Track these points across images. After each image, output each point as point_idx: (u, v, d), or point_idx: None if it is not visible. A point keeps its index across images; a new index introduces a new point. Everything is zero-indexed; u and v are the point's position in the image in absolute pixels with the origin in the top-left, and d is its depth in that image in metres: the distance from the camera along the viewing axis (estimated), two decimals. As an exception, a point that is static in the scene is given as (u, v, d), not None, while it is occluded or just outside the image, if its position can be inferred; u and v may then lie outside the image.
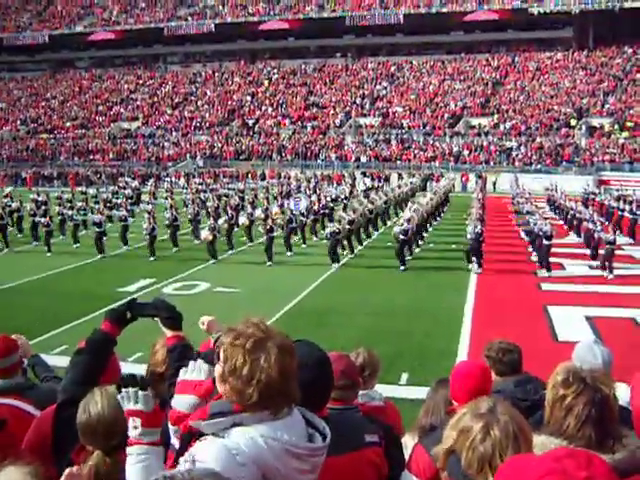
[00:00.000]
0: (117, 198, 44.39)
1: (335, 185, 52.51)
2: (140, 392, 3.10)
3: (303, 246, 32.07)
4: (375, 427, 4.18)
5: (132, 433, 3.08)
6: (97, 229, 31.30)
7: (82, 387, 3.61)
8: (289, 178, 58.41)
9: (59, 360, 14.76)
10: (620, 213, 35.25)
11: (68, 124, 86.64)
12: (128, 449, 3.08)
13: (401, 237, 26.84)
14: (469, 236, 26.07)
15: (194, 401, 3.25)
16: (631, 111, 65.85)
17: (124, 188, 52.45)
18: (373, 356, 5.95)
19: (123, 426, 3.26)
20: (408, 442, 4.96)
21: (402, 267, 26.36)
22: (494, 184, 57.56)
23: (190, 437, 2.88)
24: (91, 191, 50.45)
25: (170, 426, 3.27)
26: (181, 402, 3.29)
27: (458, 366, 4.80)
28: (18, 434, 4.08)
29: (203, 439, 2.74)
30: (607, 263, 24.89)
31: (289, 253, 30.00)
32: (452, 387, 4.50)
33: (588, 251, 28.16)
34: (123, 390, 3.13)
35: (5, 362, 5.19)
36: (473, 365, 4.67)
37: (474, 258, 25.90)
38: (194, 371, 3.37)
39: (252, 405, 2.71)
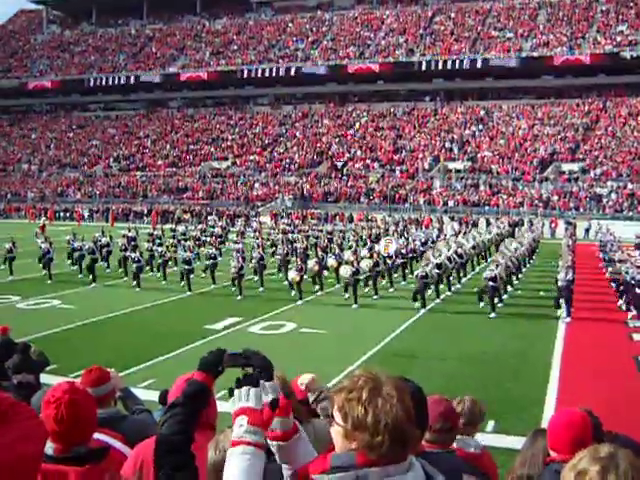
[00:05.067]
0: (206, 236, 44.93)
1: (423, 229, 52.33)
2: (252, 389, 3.03)
3: (390, 290, 31.99)
4: (473, 470, 4.17)
5: (236, 432, 2.97)
6: (186, 266, 31.76)
7: (182, 437, 3.61)
8: (375, 221, 58.37)
9: (145, 394, 15.02)
10: None
11: (160, 162, 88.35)
12: (229, 450, 2.97)
13: (490, 284, 26.59)
14: (560, 283, 25.69)
15: None
16: None
17: (213, 227, 53.07)
18: (475, 405, 5.90)
19: None
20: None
21: (493, 314, 26.03)
22: (587, 231, 56.63)
23: None
24: (180, 228, 51.15)
25: None
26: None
27: (557, 415, 4.64)
28: (106, 470, 4.09)
29: None
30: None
31: (375, 296, 29.98)
32: (551, 437, 4.35)
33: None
34: (236, 391, 3.06)
35: (98, 391, 5.30)
36: (574, 414, 4.44)
37: (564, 305, 25.56)
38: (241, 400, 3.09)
39: (385, 454, 2.64)
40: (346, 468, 2.68)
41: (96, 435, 4.13)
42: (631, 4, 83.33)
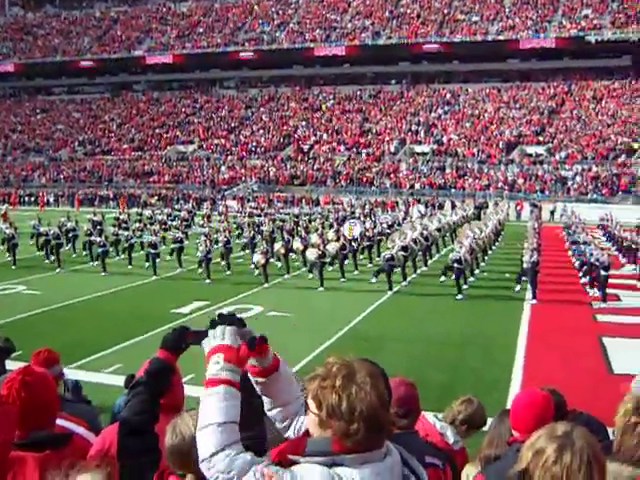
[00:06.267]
0: (172, 220, 44.79)
1: (389, 211, 52.39)
2: (227, 327, 3.00)
3: (356, 272, 32.03)
4: (436, 452, 4.18)
5: (211, 370, 2.92)
6: (152, 250, 31.66)
7: (145, 416, 3.56)
8: (342, 204, 58.31)
9: (112, 379, 15.01)
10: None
11: (125, 146, 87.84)
12: (205, 390, 2.90)
13: (456, 265, 26.70)
14: (525, 265, 25.94)
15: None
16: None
17: (179, 210, 52.93)
18: (480, 410, 5.83)
19: None
20: (470, 473, 4.91)
21: (459, 296, 26.14)
22: (552, 213, 57.00)
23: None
24: (146, 212, 50.93)
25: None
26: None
27: (519, 395, 4.68)
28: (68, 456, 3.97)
29: (305, 463, 2.68)
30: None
31: (342, 279, 30.03)
32: (513, 417, 4.40)
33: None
34: (210, 332, 3.02)
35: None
36: (535, 394, 4.49)
37: (530, 287, 25.77)
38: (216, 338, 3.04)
39: (360, 442, 2.64)
40: (322, 453, 2.68)
41: (58, 421, 4.09)
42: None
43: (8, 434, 3.34)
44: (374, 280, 28.10)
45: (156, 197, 70.04)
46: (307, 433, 2.86)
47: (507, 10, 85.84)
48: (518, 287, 26.89)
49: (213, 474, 2.74)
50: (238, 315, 3.09)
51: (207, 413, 2.84)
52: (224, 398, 2.84)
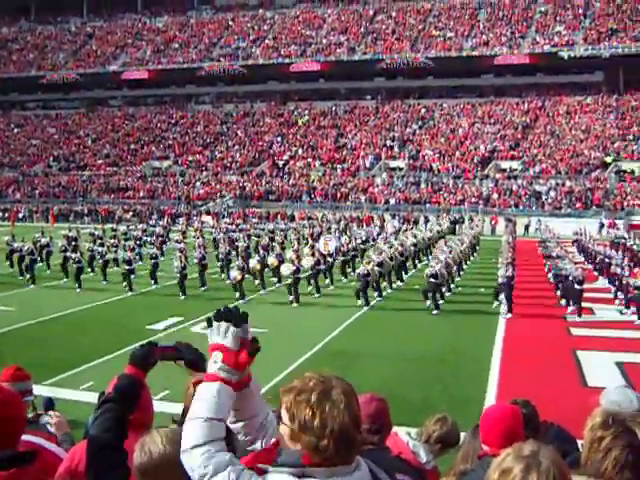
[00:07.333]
0: (147, 236, 44.66)
1: (364, 227, 52.42)
2: (232, 327, 2.97)
3: (331, 287, 32.02)
4: (407, 468, 4.17)
5: (210, 368, 2.92)
6: (127, 266, 31.57)
7: (113, 433, 3.52)
8: (317, 219, 58.26)
9: (86, 396, 14.91)
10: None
11: (100, 161, 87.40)
12: (201, 384, 2.91)
13: (432, 280, 26.77)
14: (500, 280, 26.04)
15: None
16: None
17: (154, 226, 52.75)
18: (454, 429, 5.74)
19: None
20: (444, 488, 4.92)
21: (435, 311, 26.28)
22: (526, 227, 57.32)
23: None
24: (121, 228, 50.74)
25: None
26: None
27: (488, 410, 4.70)
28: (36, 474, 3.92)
29: (276, 472, 2.71)
30: (634, 308, 24.78)
31: (317, 295, 30.02)
32: (483, 431, 4.41)
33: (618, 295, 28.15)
34: (215, 323, 3.00)
35: (14, 387, 5.22)
36: (504, 408, 4.53)
37: (505, 301, 25.85)
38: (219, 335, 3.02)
39: (329, 458, 2.65)
40: (292, 465, 2.69)
41: (27, 437, 4.04)
42: (568, 6, 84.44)
43: None
44: (360, 302, 27.89)
45: (131, 213, 69.78)
46: (277, 444, 2.85)
47: (481, 26, 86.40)
48: (496, 303, 26.92)
49: (190, 466, 2.75)
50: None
51: (197, 406, 2.85)
52: (217, 395, 2.85)
